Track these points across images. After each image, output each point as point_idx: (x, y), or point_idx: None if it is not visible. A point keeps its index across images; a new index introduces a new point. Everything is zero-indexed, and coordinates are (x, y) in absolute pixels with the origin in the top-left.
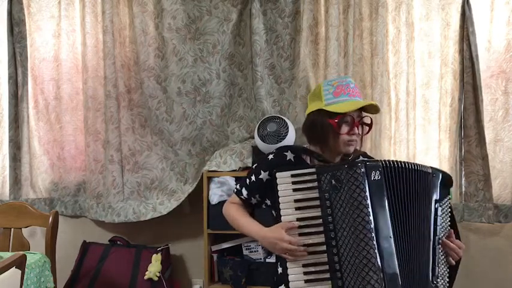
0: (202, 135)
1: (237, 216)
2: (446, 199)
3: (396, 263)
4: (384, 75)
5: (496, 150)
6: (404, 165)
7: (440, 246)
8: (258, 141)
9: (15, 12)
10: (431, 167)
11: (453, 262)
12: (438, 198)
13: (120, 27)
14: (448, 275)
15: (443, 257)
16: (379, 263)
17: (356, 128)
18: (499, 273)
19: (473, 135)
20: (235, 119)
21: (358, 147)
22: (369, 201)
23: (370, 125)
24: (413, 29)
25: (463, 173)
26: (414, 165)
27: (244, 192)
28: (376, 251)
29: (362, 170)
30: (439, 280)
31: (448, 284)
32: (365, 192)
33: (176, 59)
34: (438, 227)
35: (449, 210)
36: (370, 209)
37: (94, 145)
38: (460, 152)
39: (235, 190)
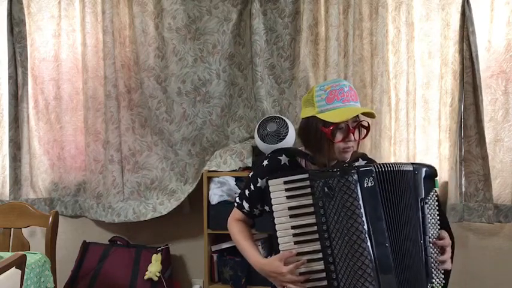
0: (202, 135)
1: (239, 239)
2: (432, 193)
3: (393, 271)
4: (384, 75)
5: (496, 150)
6: (395, 167)
7: (431, 245)
8: (258, 141)
9: (15, 12)
10: (412, 163)
11: (449, 266)
12: (424, 195)
13: (120, 27)
14: (443, 271)
15: (435, 255)
16: (375, 272)
17: (352, 135)
18: (499, 273)
19: (473, 135)
20: (235, 119)
21: (356, 150)
22: (362, 210)
23: (367, 128)
24: (413, 29)
25: (463, 173)
26: (398, 166)
27: (246, 205)
28: (371, 260)
29: (354, 177)
30: (434, 280)
31: (444, 282)
32: (358, 200)
33: (176, 59)
34: (427, 226)
35: (437, 203)
36: (364, 218)
37: (94, 145)
38: (460, 152)
39: (236, 204)
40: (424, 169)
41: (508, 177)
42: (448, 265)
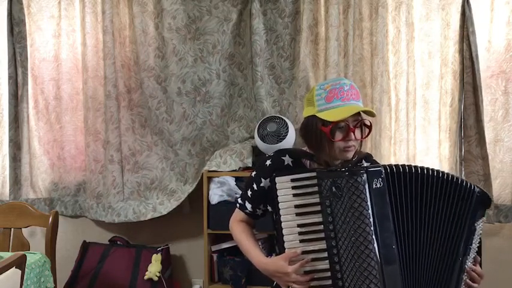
0: (202, 135)
1: (242, 240)
2: (481, 220)
3: (399, 273)
4: (384, 75)
5: (496, 150)
6: (409, 169)
7: (467, 267)
8: (258, 141)
9: (15, 12)
10: (478, 186)
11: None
12: (476, 216)
13: (120, 27)
14: None
15: (465, 277)
16: (381, 273)
17: (352, 134)
18: (499, 273)
19: (473, 135)
20: (235, 119)
21: (359, 149)
22: (370, 211)
23: (370, 127)
24: (413, 29)
25: (463, 173)
26: (436, 173)
27: (248, 205)
28: (377, 262)
29: (363, 177)
30: None
31: None
32: (366, 201)
33: (176, 59)
34: (469, 247)
35: (481, 232)
36: (371, 219)
37: (94, 145)
38: (460, 152)
39: (238, 205)
40: (485, 196)
41: (508, 177)
42: None
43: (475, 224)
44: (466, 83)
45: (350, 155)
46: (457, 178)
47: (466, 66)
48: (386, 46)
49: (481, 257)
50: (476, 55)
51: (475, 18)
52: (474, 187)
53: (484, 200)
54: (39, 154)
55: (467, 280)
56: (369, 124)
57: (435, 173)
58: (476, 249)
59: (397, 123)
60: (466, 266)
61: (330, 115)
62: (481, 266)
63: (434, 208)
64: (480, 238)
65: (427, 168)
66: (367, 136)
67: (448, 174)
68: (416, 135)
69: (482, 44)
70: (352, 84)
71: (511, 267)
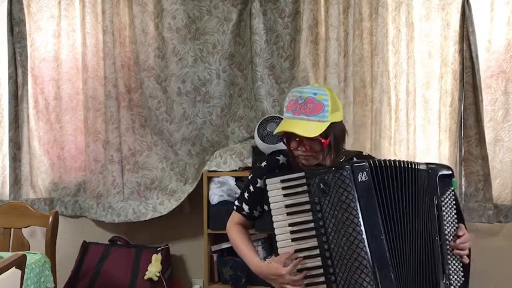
0: (202, 135)
1: (238, 244)
2: (448, 192)
3: (389, 262)
4: (384, 75)
5: (496, 150)
6: (393, 163)
7: (448, 242)
8: (258, 141)
9: (15, 12)
10: (427, 163)
11: (467, 260)
12: (439, 193)
13: (120, 27)
14: (462, 269)
15: (451, 252)
16: (371, 264)
17: (302, 146)
18: (499, 273)
19: (473, 135)
20: (235, 119)
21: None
22: (357, 203)
23: (322, 142)
24: (413, 29)
25: (463, 173)
26: (404, 163)
27: (245, 207)
28: (367, 252)
29: (348, 172)
30: (451, 277)
31: (463, 278)
32: (353, 194)
33: (176, 59)
34: (444, 223)
35: (454, 202)
36: (358, 211)
37: (94, 145)
38: (460, 152)
39: (235, 207)
40: (439, 168)
41: (508, 177)
42: (464, 259)
43: (442, 198)
44: (466, 83)
45: (308, 162)
46: (416, 163)
47: (466, 66)
48: (386, 46)
49: (463, 221)
50: (476, 55)
51: (475, 18)
52: (420, 165)
53: (443, 173)
54: (39, 154)
55: (455, 251)
56: (321, 139)
57: (408, 164)
58: (455, 220)
59: (397, 123)
60: (448, 242)
61: (280, 125)
62: (464, 224)
63: (413, 197)
64: (457, 206)
65: (406, 162)
66: (324, 148)
67: (411, 163)
68: (416, 135)
69: (482, 44)
70: (311, 97)
71: (511, 267)
